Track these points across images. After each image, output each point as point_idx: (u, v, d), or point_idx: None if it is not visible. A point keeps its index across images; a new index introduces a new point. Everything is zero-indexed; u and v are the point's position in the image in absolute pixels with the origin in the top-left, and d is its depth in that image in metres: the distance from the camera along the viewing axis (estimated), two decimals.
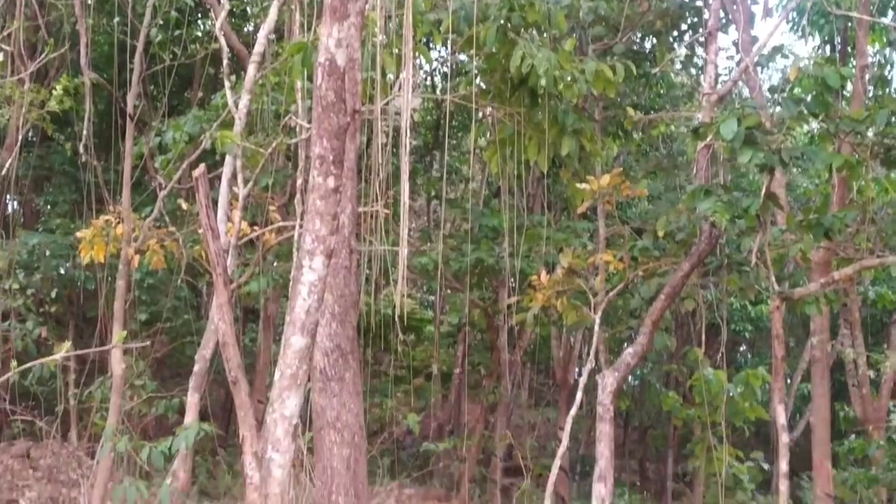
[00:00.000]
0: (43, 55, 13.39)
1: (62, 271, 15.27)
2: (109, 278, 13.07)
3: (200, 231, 9.57)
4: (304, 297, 5.65)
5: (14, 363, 5.59)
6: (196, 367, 9.26)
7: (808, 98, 8.64)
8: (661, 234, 10.11)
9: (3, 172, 13.25)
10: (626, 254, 10.41)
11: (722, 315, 12.44)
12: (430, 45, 13.76)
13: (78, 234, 10.08)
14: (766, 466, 15.02)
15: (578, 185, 10.31)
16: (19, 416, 12.46)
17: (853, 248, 10.22)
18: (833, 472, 12.07)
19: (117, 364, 9.89)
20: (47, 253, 14.76)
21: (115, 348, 10.00)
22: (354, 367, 6.50)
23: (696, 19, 12.81)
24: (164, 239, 10.18)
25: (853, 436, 16.72)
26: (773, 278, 9.40)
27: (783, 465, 9.23)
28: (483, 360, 20.62)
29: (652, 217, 11.64)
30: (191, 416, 8.97)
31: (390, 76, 9.32)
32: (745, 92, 14.55)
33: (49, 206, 18.26)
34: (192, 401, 9.08)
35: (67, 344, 4.61)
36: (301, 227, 6.07)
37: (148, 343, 14.24)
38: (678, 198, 10.48)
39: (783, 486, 9.23)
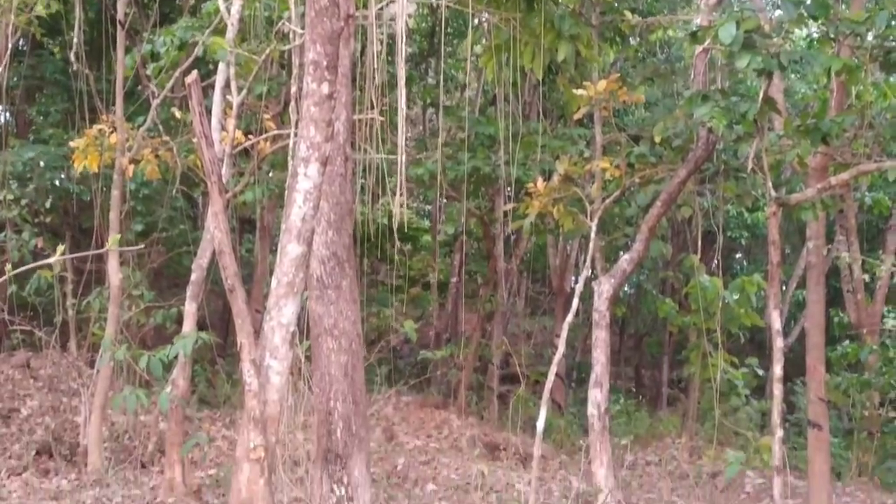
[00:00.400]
0: None
1: (56, 183, 15.21)
2: (104, 189, 13.02)
3: (195, 140, 9.52)
4: (299, 205, 5.63)
5: (8, 267, 5.59)
6: (193, 277, 9.29)
7: (808, 0, 8.49)
8: (657, 140, 10.05)
9: None
10: (623, 160, 10.37)
11: (718, 222, 12.46)
12: None
13: (71, 144, 10.02)
14: (760, 372, 15.18)
15: (575, 91, 10.22)
16: (18, 327, 12.50)
17: (850, 154, 10.17)
18: (826, 377, 12.18)
19: (114, 274, 9.91)
20: (41, 164, 14.69)
21: (111, 259, 10.03)
22: (351, 274, 6.50)
23: None
24: (159, 148, 10.12)
25: (847, 341, 16.86)
26: (770, 184, 9.37)
27: (777, 370, 9.30)
28: (480, 268, 20.68)
29: (649, 123, 11.58)
30: (189, 325, 9.02)
31: None
32: None
33: (42, 117, 18.11)
34: (190, 310, 9.13)
35: (62, 247, 4.59)
36: (296, 134, 6.02)
37: (144, 251, 14.32)
38: (675, 104, 10.42)
39: (777, 390, 9.31)
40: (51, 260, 4.57)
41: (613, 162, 10.40)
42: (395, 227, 9.05)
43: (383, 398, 15.52)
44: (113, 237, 5.30)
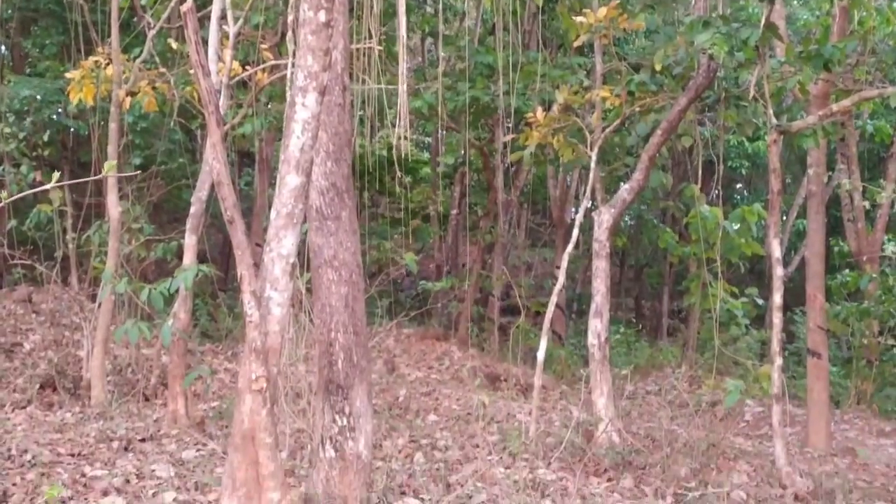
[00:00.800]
0: None
1: (54, 117, 15.14)
2: (101, 123, 12.95)
3: (191, 71, 9.43)
4: (297, 135, 5.59)
5: (4, 194, 5.56)
6: (192, 209, 9.26)
7: None
8: (658, 68, 9.96)
9: None
10: (623, 89, 10.28)
11: (718, 152, 12.40)
12: None
13: (67, 75, 9.93)
14: (760, 302, 15.23)
15: (574, 18, 10.12)
16: (19, 262, 12.51)
17: (852, 80, 10.11)
18: (826, 306, 12.21)
19: (113, 208, 9.88)
20: (38, 98, 14.61)
21: (110, 192, 10.00)
22: (350, 205, 6.47)
23: None
24: (155, 80, 10.04)
25: (847, 270, 16.90)
26: (771, 112, 9.31)
27: (777, 299, 9.32)
28: (480, 200, 20.66)
29: (649, 51, 11.43)
30: (189, 258, 9.01)
31: None
32: None
33: (37, 50, 17.98)
34: (190, 242, 9.11)
35: (57, 174, 4.55)
36: (293, 65, 5.96)
37: (143, 185, 14.28)
38: (676, 31, 10.27)
39: (776, 318, 9.34)
40: (47, 186, 4.52)
41: (613, 91, 10.32)
42: (395, 159, 9.02)
43: (384, 330, 15.59)
44: (108, 164, 5.24)
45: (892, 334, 15.40)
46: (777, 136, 9.33)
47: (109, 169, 4.96)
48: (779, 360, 9.19)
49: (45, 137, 14.08)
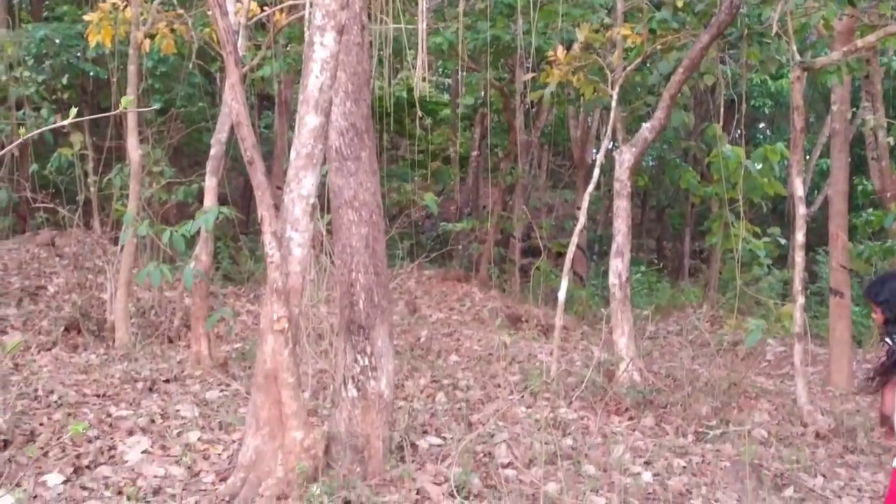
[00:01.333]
0: None
1: (73, 61, 15.13)
2: (121, 67, 12.92)
3: (209, 13, 9.38)
4: (316, 75, 5.57)
5: (22, 130, 5.56)
6: (212, 151, 9.25)
7: None
8: (679, 5, 9.84)
9: None
10: (645, 27, 10.17)
11: (741, 90, 12.27)
12: None
13: (85, 18, 9.89)
14: (782, 241, 15.16)
15: None
16: (41, 206, 12.57)
17: (877, 15, 9.95)
18: (849, 245, 12.15)
19: (134, 151, 9.89)
20: (56, 42, 14.58)
21: (130, 135, 10.00)
22: (370, 146, 6.44)
23: None
24: (174, 22, 9.99)
25: (870, 209, 16.77)
26: (795, 48, 9.20)
27: (799, 237, 9.28)
28: (500, 142, 20.59)
29: None
30: (209, 200, 9.02)
31: None
32: None
33: None
34: (210, 185, 9.12)
35: (74, 110, 4.54)
36: (311, 4, 5.90)
37: (164, 128, 14.27)
38: None
39: (798, 257, 9.31)
40: (66, 122, 4.52)
41: (635, 29, 10.21)
42: (414, 100, 8.97)
43: (405, 272, 15.63)
44: (125, 99, 5.22)
45: None
46: (800, 73, 9.23)
47: (126, 104, 4.93)
48: (801, 299, 9.17)
49: (64, 81, 14.07)
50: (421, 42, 7.47)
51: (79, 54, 15.05)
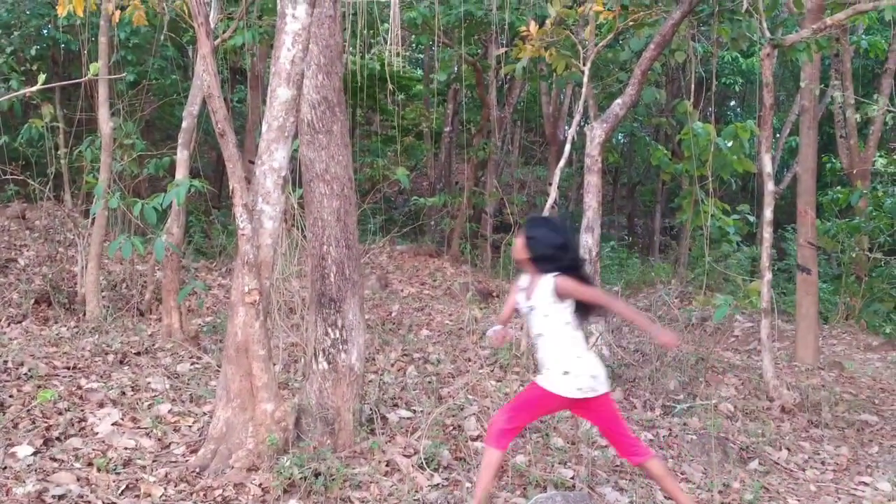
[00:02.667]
0: None
1: (43, 32, 14.99)
2: (92, 39, 12.82)
3: None
4: (288, 48, 5.58)
5: None
6: (184, 124, 9.22)
7: None
8: None
9: None
10: (617, 3, 10.19)
11: (712, 68, 12.35)
12: None
13: None
14: (751, 219, 15.29)
15: None
16: (11, 178, 12.49)
17: None
18: (817, 222, 12.28)
19: (105, 123, 9.83)
20: (27, 12, 14.44)
21: (101, 108, 9.94)
22: (342, 119, 6.45)
23: None
24: None
25: (838, 186, 16.94)
26: (765, 25, 9.27)
27: (767, 213, 9.37)
28: (473, 117, 20.58)
29: None
30: (181, 173, 9.00)
31: None
32: None
33: None
34: (182, 157, 9.09)
35: (43, 77, 4.52)
36: None
37: (136, 101, 14.18)
38: None
39: (766, 233, 9.40)
40: (34, 88, 4.50)
41: (607, 5, 10.23)
42: (387, 75, 8.98)
43: (378, 247, 15.65)
44: (93, 66, 5.20)
45: (881, 250, 15.50)
46: (770, 50, 9.29)
47: (95, 70, 4.92)
48: (768, 275, 9.27)
49: (34, 52, 13.95)
50: (394, 16, 7.47)
51: (49, 24, 14.91)
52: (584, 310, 5.32)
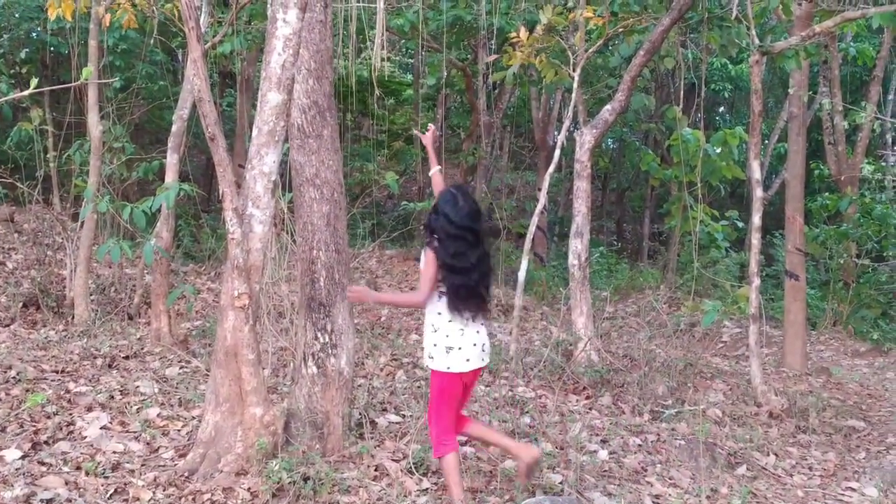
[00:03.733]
0: None
1: (33, 35, 14.96)
2: (81, 42, 12.80)
3: None
4: (279, 52, 5.58)
5: None
6: (174, 128, 9.22)
7: None
8: None
9: None
10: (607, 9, 10.23)
11: (701, 74, 12.39)
12: None
13: None
14: (740, 225, 15.35)
15: None
16: (0, 181, 12.46)
17: (836, 1, 10.08)
18: (805, 228, 12.33)
19: (94, 126, 9.82)
20: (16, 15, 14.41)
21: (91, 111, 9.93)
22: (332, 124, 6.46)
23: None
24: None
25: (826, 193, 17.01)
26: (754, 32, 9.30)
27: (756, 219, 9.40)
28: (462, 122, 20.63)
29: None
30: (171, 177, 8.99)
31: None
32: None
33: None
34: (172, 161, 9.08)
35: (35, 81, 4.52)
36: None
37: (125, 105, 14.15)
38: None
39: (755, 239, 9.43)
40: (25, 93, 4.50)
41: (597, 11, 10.27)
42: (376, 80, 8.99)
43: (367, 251, 15.64)
44: (86, 70, 5.19)
45: (869, 256, 15.56)
46: (759, 57, 9.33)
47: (87, 75, 4.92)
48: (756, 281, 9.30)
49: (23, 55, 13.91)
50: (380, 22, 7.48)
51: (39, 27, 14.88)
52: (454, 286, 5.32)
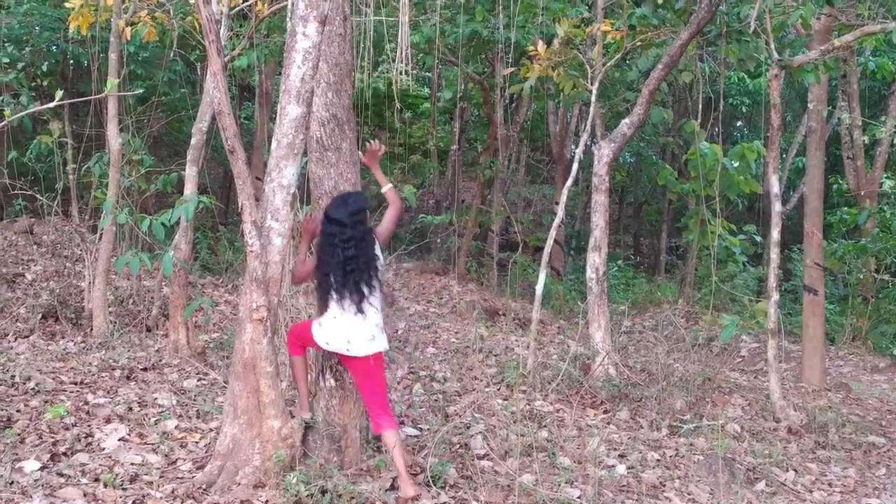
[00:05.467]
0: None
1: (53, 48, 15.04)
2: (101, 55, 12.88)
3: (191, 1, 9.37)
4: (298, 65, 5.60)
5: (7, 111, 5.56)
6: (193, 141, 9.24)
7: None
8: (659, 1, 9.90)
9: None
10: (625, 23, 10.22)
11: (719, 88, 12.37)
12: None
13: (66, 5, 9.83)
14: (758, 239, 15.28)
15: None
16: (20, 193, 12.51)
17: (855, 15, 10.05)
18: (823, 243, 12.27)
19: (114, 139, 9.85)
20: (37, 28, 14.49)
21: (110, 123, 9.97)
22: (351, 137, 6.47)
23: None
24: (155, 10, 9.95)
25: (845, 207, 16.93)
26: (773, 46, 9.28)
27: (775, 234, 9.37)
28: (479, 136, 20.62)
29: None
30: (190, 189, 9.01)
31: None
32: None
33: None
34: (191, 174, 9.11)
35: (60, 92, 4.55)
36: None
37: (144, 117, 14.21)
38: None
39: (774, 254, 9.40)
40: (50, 105, 4.53)
41: (615, 25, 10.26)
42: (394, 93, 9.00)
43: (384, 264, 15.64)
44: (110, 82, 5.23)
45: (888, 271, 15.47)
46: (778, 71, 9.31)
47: (111, 87, 4.95)
48: (775, 296, 9.26)
49: (44, 68, 13.99)
50: (402, 35, 7.49)
51: (60, 38, 14.96)
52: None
